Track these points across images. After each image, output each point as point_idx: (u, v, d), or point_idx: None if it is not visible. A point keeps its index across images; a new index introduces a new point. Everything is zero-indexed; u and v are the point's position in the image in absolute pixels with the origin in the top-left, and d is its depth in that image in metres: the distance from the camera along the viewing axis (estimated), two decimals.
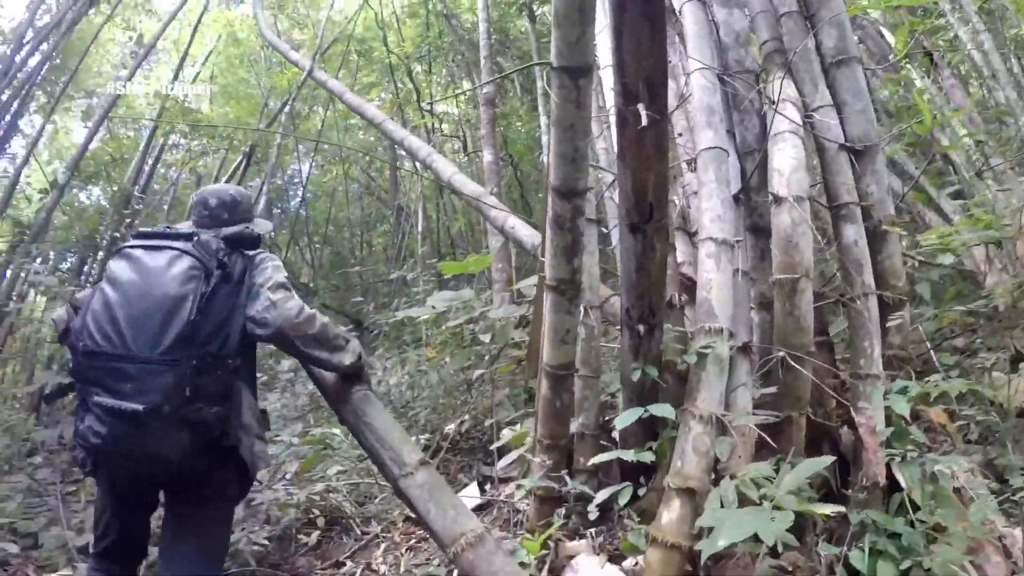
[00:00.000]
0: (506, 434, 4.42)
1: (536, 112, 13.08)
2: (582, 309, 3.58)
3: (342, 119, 17.01)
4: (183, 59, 17.76)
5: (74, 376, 2.75)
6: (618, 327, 4.48)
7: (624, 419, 3.22)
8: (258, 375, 3.36)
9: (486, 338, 4.59)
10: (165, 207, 17.42)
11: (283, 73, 15.51)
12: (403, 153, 18.17)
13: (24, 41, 13.74)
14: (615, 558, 3.25)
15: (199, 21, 18.06)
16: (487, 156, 8.78)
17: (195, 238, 2.80)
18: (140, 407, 2.47)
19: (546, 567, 3.22)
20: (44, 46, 13.95)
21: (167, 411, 2.50)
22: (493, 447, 4.42)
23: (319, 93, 15.46)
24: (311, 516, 4.83)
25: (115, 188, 13.90)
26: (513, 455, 4.05)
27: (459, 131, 16.26)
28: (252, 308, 2.79)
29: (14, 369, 17.26)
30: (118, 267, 2.74)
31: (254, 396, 2.98)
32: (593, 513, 3.43)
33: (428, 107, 14.71)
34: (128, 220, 12.32)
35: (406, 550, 4.27)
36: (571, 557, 3.24)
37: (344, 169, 17.12)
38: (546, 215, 3.19)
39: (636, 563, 3.14)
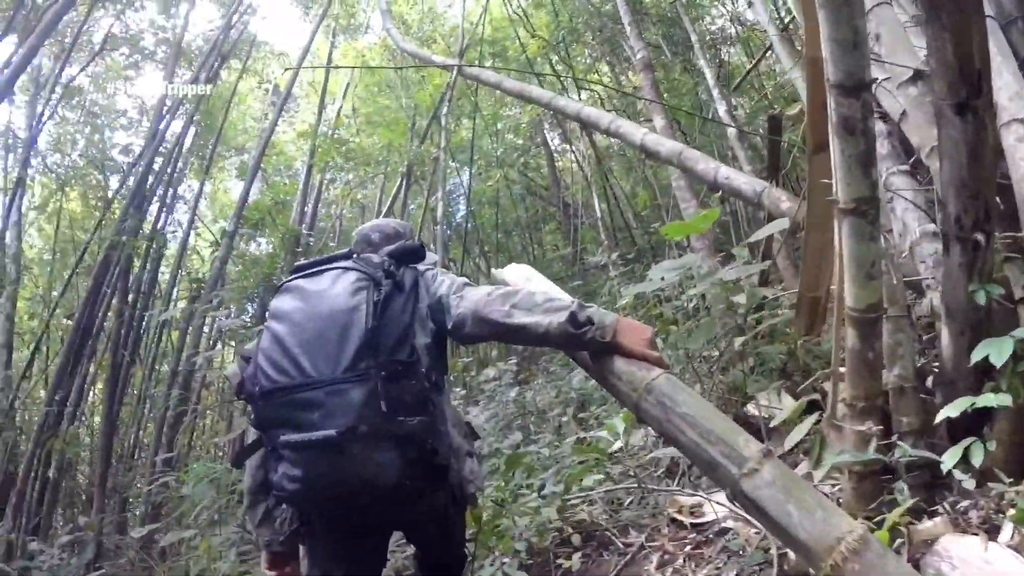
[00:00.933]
0: (750, 410, 3.81)
1: (690, 73, 12.48)
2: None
3: (490, 125, 16.73)
4: (322, 97, 18.07)
5: (258, 427, 2.50)
6: None
7: (994, 350, 2.49)
8: (457, 389, 3.06)
9: (741, 299, 3.94)
10: (333, 245, 17.71)
11: (423, 89, 15.43)
12: (559, 150, 17.93)
13: (164, 111, 14.26)
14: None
15: (329, 58, 18.42)
16: (659, 121, 8.10)
17: (354, 256, 2.65)
18: (333, 431, 2.24)
19: (903, 558, 2.56)
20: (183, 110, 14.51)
21: (363, 430, 2.25)
22: (771, 424, 3.73)
23: (462, 103, 15.25)
24: (564, 535, 4.30)
25: (282, 233, 14.11)
26: (803, 428, 3.37)
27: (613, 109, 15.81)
28: (449, 320, 2.56)
29: (213, 420, 17.96)
30: (280, 301, 2.56)
31: None
32: (968, 479, 2.72)
33: (579, 85, 14.47)
34: (301, 259, 12.46)
35: (685, 560, 3.67)
36: (929, 542, 2.57)
37: (504, 172, 16.87)
38: (828, 122, 2.54)
39: (1012, 536, 2.45)
